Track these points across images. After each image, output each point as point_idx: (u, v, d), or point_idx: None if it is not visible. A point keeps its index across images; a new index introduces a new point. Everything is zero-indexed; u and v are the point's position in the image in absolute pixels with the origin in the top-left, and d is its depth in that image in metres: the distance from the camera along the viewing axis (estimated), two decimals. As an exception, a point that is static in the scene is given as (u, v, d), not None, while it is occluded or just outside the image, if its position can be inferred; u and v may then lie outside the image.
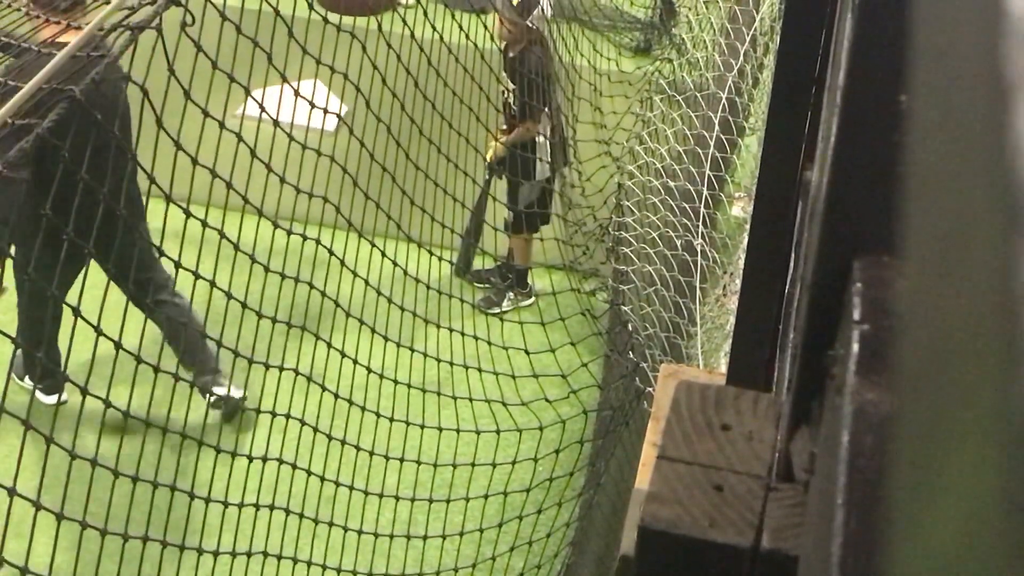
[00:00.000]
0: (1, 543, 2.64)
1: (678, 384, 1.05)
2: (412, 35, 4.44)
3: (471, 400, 4.69)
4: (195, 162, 3.26)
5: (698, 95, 6.21)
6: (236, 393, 5.44)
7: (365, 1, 7.12)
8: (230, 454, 4.05)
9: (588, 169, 6.78)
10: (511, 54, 6.32)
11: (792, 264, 1.73)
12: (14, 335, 2.69)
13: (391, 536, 4.35)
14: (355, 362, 4.11)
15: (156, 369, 3.31)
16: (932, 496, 0.38)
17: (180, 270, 3.39)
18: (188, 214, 3.34)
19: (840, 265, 0.79)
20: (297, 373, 3.88)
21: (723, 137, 5.91)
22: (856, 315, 0.73)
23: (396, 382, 4.32)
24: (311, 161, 3.89)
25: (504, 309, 6.53)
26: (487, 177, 6.38)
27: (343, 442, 4.07)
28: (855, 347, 0.70)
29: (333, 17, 4.06)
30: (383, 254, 4.26)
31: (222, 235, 3.46)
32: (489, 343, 4.81)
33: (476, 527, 4.71)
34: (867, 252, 0.78)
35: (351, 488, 4.10)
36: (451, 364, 4.58)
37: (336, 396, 4.01)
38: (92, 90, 2.68)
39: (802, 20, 1.83)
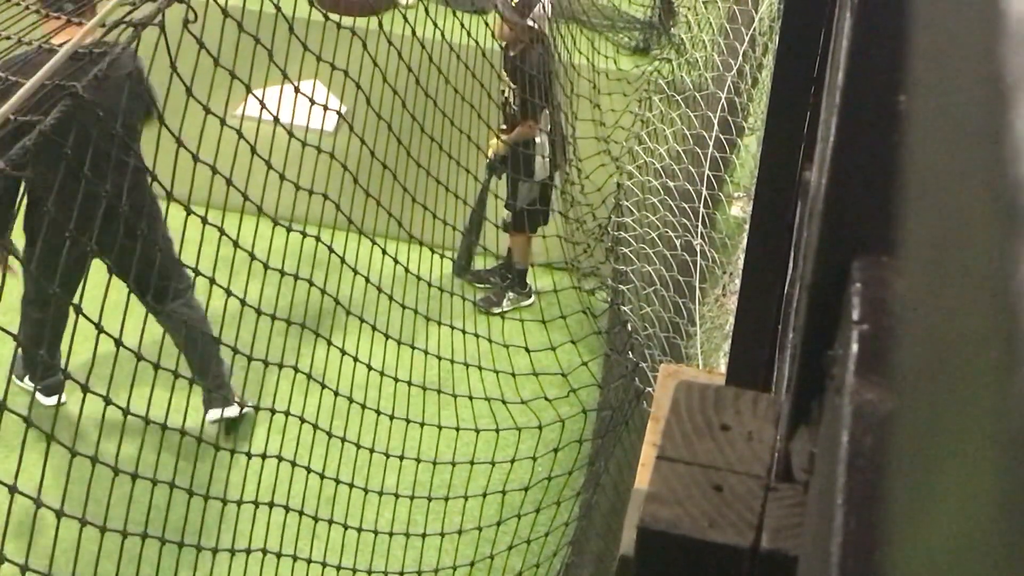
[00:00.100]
0: (1, 542, 2.64)
1: (678, 384, 1.05)
2: (413, 33, 4.44)
3: (471, 399, 4.70)
4: (196, 159, 3.26)
5: (697, 95, 6.21)
6: (243, 410, 5.42)
7: (366, 1, 7.11)
8: (230, 452, 4.05)
9: (587, 167, 6.78)
10: (512, 53, 6.32)
11: (791, 264, 1.73)
12: (14, 335, 2.69)
13: (390, 535, 4.35)
14: (355, 360, 4.12)
15: (156, 368, 3.31)
16: (931, 496, 0.38)
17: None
18: (189, 211, 3.34)
19: (839, 265, 0.79)
20: (297, 371, 3.88)
21: (722, 137, 5.91)
22: (855, 315, 0.73)
23: (396, 380, 4.32)
24: (311, 161, 3.89)
25: (504, 308, 6.53)
26: (487, 175, 6.39)
27: (343, 440, 4.07)
28: (854, 347, 0.70)
29: (334, 16, 4.06)
30: (384, 252, 4.26)
31: (222, 233, 3.46)
32: (490, 341, 4.82)
33: (475, 526, 4.71)
34: (866, 252, 0.78)
35: (351, 487, 4.10)
36: (451, 363, 4.59)
37: (336, 395, 4.01)
38: (95, 87, 2.68)
39: (801, 20, 1.83)
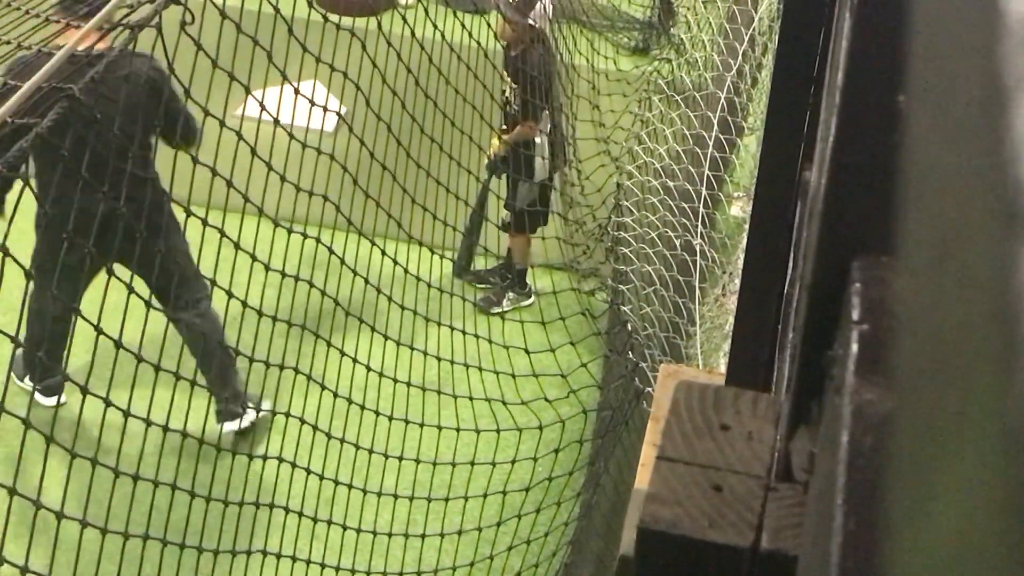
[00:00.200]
0: (1, 543, 2.64)
1: (677, 384, 1.05)
2: (413, 34, 4.44)
3: (471, 400, 4.69)
4: (196, 160, 3.26)
5: (697, 95, 6.21)
6: (259, 414, 5.38)
7: (365, 1, 7.12)
8: (230, 453, 4.05)
9: (587, 168, 6.78)
10: (513, 53, 6.31)
11: (791, 264, 1.73)
12: (14, 335, 2.68)
13: (390, 535, 4.35)
14: (355, 361, 4.12)
15: (157, 368, 3.31)
16: (931, 496, 0.38)
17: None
18: (189, 212, 3.34)
19: (839, 265, 0.79)
20: (297, 372, 3.88)
21: (722, 137, 5.91)
22: (855, 315, 0.73)
23: (396, 381, 4.32)
24: (311, 161, 3.89)
25: (504, 308, 6.53)
26: (487, 176, 6.39)
27: (343, 441, 4.07)
28: (854, 347, 0.70)
29: (333, 17, 4.06)
30: (384, 253, 4.26)
31: (223, 234, 3.46)
32: (490, 342, 4.81)
33: (475, 527, 4.71)
34: (866, 252, 0.78)
35: (351, 487, 4.10)
36: (451, 364, 4.58)
37: (336, 395, 4.01)
38: (93, 89, 2.68)
39: (801, 20, 1.82)
